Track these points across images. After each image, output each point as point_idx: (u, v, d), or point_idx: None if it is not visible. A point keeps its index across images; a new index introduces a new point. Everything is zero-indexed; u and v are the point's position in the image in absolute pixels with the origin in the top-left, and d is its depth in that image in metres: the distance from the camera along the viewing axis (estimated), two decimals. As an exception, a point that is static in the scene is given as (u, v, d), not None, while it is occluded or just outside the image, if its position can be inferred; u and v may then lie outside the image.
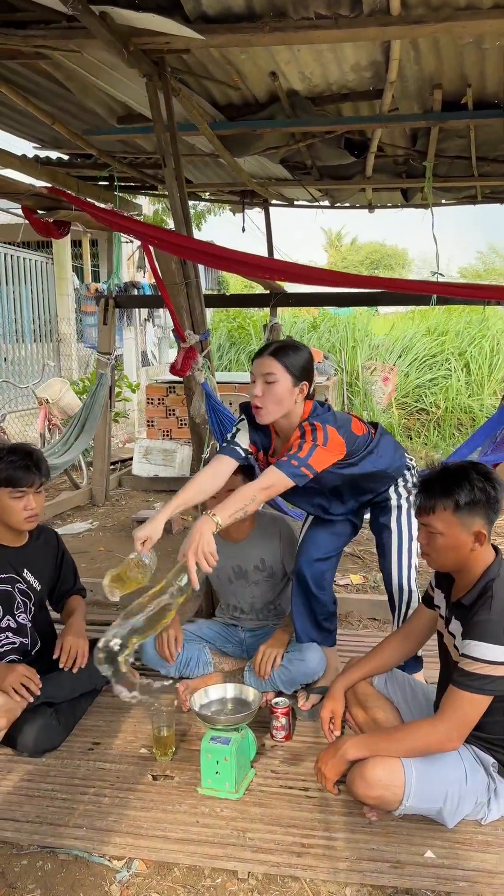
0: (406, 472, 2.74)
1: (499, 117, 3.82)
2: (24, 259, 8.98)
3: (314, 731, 2.65)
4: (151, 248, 3.08)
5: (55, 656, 2.68)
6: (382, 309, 14.81)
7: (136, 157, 5.07)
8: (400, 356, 10.89)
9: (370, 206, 6.03)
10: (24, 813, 2.22)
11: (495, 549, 2.14)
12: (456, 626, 2.13)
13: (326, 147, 4.41)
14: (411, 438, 9.01)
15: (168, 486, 6.45)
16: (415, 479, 2.72)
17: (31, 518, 2.62)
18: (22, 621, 2.71)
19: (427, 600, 2.37)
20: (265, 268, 2.60)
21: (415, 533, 2.67)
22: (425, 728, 2.05)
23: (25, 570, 2.73)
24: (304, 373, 2.43)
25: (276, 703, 2.60)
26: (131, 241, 6.01)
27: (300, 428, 2.43)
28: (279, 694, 2.80)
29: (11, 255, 8.71)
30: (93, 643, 2.75)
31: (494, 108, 3.82)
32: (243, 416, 2.61)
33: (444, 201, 5.73)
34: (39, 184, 4.58)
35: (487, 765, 2.12)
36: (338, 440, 2.41)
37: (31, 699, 2.48)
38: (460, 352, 10.45)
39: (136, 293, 9.50)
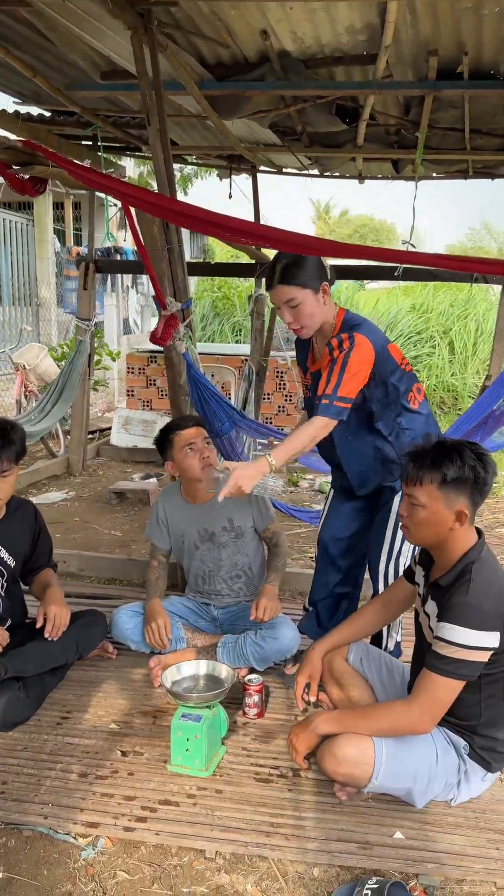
0: None
1: (495, 88, 3.72)
2: (3, 220, 8.75)
3: (287, 708, 2.63)
4: (133, 210, 2.96)
5: (38, 625, 2.60)
6: (369, 284, 14.70)
7: (121, 117, 4.90)
8: (385, 332, 10.80)
9: (360, 177, 5.91)
10: (-11, 788, 2.18)
11: (478, 531, 2.10)
12: (432, 606, 2.10)
13: (317, 113, 4.28)
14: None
15: (147, 458, 6.37)
16: None
17: (1, 496, 2.53)
18: None
19: (408, 574, 2.33)
20: (251, 233, 2.49)
21: None
22: (398, 709, 2.03)
23: (0, 547, 2.65)
24: (318, 278, 2.38)
25: (249, 681, 2.57)
26: (116, 204, 5.83)
27: (328, 345, 2.41)
28: (252, 671, 2.77)
29: (-11, 216, 8.49)
30: (74, 614, 2.72)
31: (491, 78, 3.72)
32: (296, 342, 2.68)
33: (434, 175, 5.63)
34: (14, 137, 4.41)
35: (459, 747, 2.11)
36: (365, 345, 2.36)
37: None
38: (445, 329, 10.41)
39: (118, 258, 9.32)
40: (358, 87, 3.88)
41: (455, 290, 11.34)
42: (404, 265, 4.53)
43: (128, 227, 3.22)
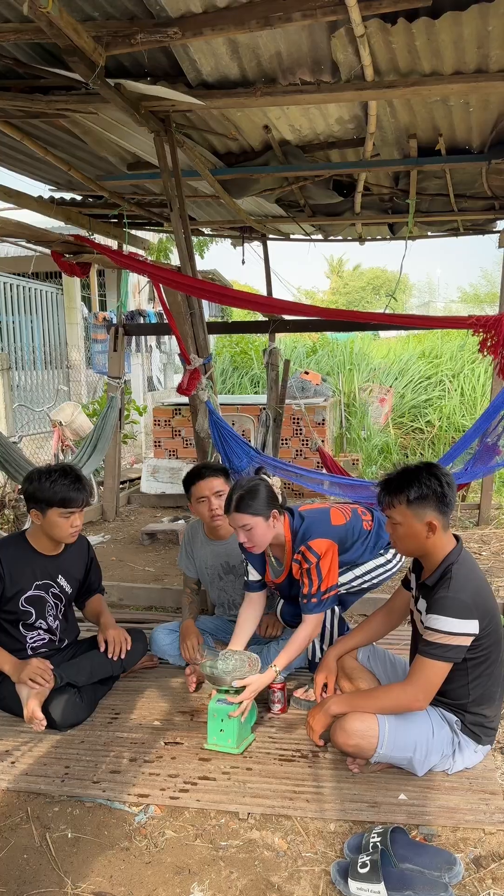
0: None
1: (469, 161, 4.25)
2: (35, 290, 9.46)
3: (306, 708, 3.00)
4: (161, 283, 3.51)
5: (101, 649, 3.04)
6: (382, 333, 15.26)
7: (144, 198, 5.52)
8: (396, 378, 11.30)
9: (360, 239, 6.48)
10: (55, 771, 2.57)
11: (456, 537, 2.51)
12: (422, 603, 2.49)
13: (317, 188, 4.85)
14: (407, 456, 9.38)
15: (175, 503, 6.82)
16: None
17: (75, 534, 2.99)
18: (52, 621, 3.06)
19: (405, 582, 2.73)
20: (256, 302, 3.04)
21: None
22: (397, 690, 2.41)
23: (60, 577, 3.08)
24: (268, 505, 2.82)
25: (274, 681, 2.94)
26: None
27: (295, 561, 2.89)
28: (275, 674, 3.14)
29: (24, 287, 9.19)
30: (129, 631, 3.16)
31: (465, 152, 4.26)
32: (244, 556, 3.10)
33: (429, 233, 6.16)
34: (67, 232, 5.11)
35: (451, 722, 2.47)
36: (325, 545, 2.85)
37: (46, 685, 2.78)
38: (454, 373, 10.86)
39: (142, 321, 9.97)
40: (350, 165, 4.45)
41: (464, 336, 11.81)
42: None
43: (149, 291, 3.75)
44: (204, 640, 3.33)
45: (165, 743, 2.75)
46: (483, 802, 2.32)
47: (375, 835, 2.11)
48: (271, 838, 2.24)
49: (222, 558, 3.37)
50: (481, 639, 2.37)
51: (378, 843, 2.06)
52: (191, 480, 3.33)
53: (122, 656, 3.07)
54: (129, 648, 3.09)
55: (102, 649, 3.05)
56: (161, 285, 3.52)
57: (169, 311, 3.69)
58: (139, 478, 7.42)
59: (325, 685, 2.75)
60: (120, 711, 2.99)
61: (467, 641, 2.34)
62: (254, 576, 3.08)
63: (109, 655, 3.03)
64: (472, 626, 2.33)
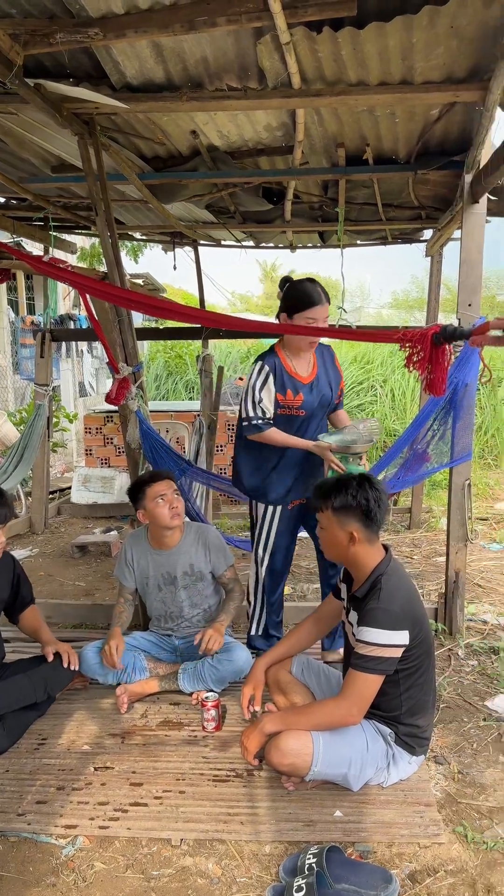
0: None
1: (396, 171, 4.29)
2: (-41, 294, 9.12)
3: (241, 722, 2.94)
4: (86, 288, 3.40)
5: (50, 661, 3.00)
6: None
7: (71, 201, 5.37)
8: (330, 383, 11.39)
9: (292, 247, 6.48)
10: (-24, 805, 2.43)
11: (385, 548, 2.50)
12: (353, 616, 2.47)
13: (246, 195, 4.82)
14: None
15: (107, 513, 6.66)
16: None
17: None
18: None
19: (335, 591, 2.71)
20: (185, 314, 2.98)
21: None
22: (330, 705, 2.38)
23: None
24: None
25: (207, 698, 2.88)
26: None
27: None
28: (209, 691, 3.08)
29: None
30: (41, 656, 3.08)
31: (392, 162, 4.30)
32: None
33: (358, 242, 6.22)
34: None
35: (385, 735, 2.46)
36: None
37: None
38: (384, 379, 11.02)
39: (72, 325, 9.74)
40: (279, 173, 4.42)
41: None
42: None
43: (74, 296, 3.63)
44: (136, 658, 3.23)
45: (95, 768, 2.65)
46: (418, 815, 2.31)
47: (311, 856, 2.07)
48: (205, 864, 2.18)
49: (164, 568, 3.29)
50: (412, 648, 2.37)
51: (314, 865, 2.03)
52: (143, 484, 3.24)
53: (75, 667, 3.04)
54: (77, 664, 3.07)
55: (51, 660, 3.00)
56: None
57: (94, 318, 3.58)
58: (70, 487, 7.22)
59: (253, 696, 2.70)
60: (47, 737, 2.87)
61: (399, 653, 2.34)
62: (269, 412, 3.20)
63: (64, 664, 3.01)
64: (403, 637, 2.33)
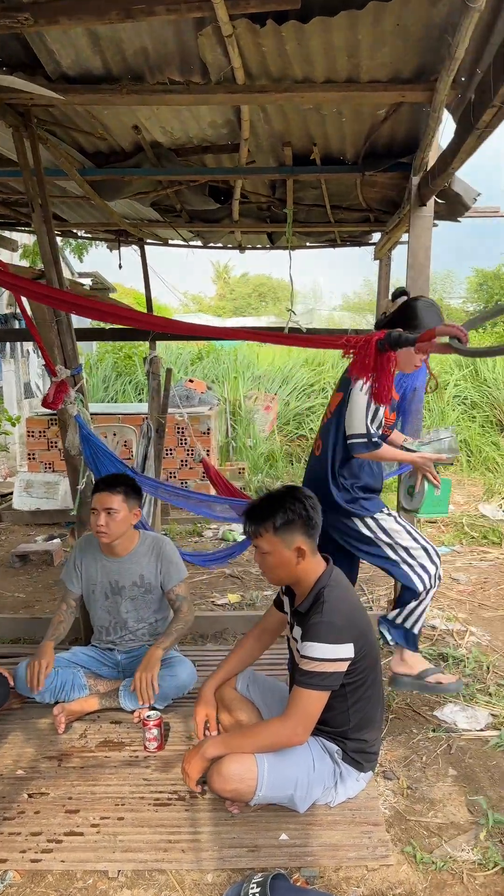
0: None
1: (343, 172, 4.24)
2: None
3: (186, 740, 2.83)
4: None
5: None
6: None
7: (10, 197, 5.17)
8: (281, 385, 11.36)
9: (240, 247, 6.38)
10: None
11: (325, 559, 2.42)
12: (297, 631, 2.39)
13: (192, 193, 4.70)
14: (292, 463, 9.41)
15: (50, 519, 6.46)
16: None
17: None
18: None
19: (278, 604, 2.62)
20: (130, 318, 2.85)
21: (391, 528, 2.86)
22: (275, 725, 2.29)
23: None
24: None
25: (149, 717, 2.76)
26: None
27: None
28: (151, 708, 2.95)
29: None
30: None
31: (340, 163, 4.24)
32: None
33: (307, 244, 6.16)
34: None
35: (332, 752, 2.38)
36: None
37: None
38: (336, 381, 11.05)
39: (17, 325, 9.46)
40: (225, 171, 4.32)
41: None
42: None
43: (8, 295, 3.46)
44: (74, 675, 3.09)
45: (29, 795, 2.50)
46: (366, 836, 2.24)
47: (255, 885, 1.97)
48: (143, 897, 2.06)
49: (112, 576, 3.15)
50: (357, 661, 2.30)
51: (257, 894, 1.93)
52: (96, 486, 3.14)
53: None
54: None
55: None
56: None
57: (29, 317, 3.41)
58: (11, 493, 6.98)
59: (207, 721, 2.59)
60: (-22, 762, 2.71)
61: (344, 667, 2.26)
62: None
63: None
64: (348, 650, 2.26)
